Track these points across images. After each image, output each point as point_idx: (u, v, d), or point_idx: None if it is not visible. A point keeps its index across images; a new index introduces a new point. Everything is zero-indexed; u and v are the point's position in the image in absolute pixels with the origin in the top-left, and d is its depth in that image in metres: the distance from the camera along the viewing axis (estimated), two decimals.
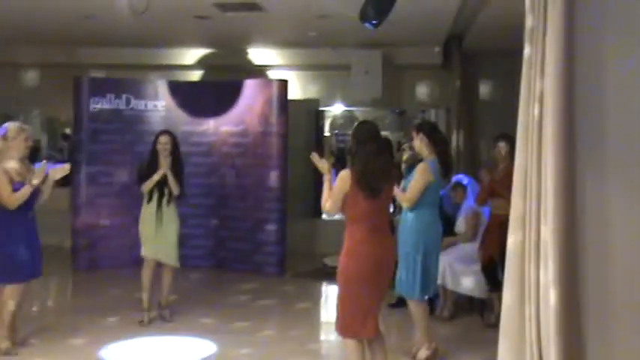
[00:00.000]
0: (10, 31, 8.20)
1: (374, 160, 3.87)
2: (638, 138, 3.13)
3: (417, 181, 4.70)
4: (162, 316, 5.91)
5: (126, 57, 9.45)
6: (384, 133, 7.91)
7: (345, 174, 3.87)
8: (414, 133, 4.96)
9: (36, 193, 4.85)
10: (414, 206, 4.73)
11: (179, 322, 5.88)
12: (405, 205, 4.75)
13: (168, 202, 5.77)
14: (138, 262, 7.96)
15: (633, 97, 3.15)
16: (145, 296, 5.83)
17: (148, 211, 5.79)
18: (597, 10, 3.20)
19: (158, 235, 5.77)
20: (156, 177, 5.71)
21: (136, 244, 8.03)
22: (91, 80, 8.30)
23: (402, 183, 5.01)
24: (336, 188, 3.90)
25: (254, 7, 6.60)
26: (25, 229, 4.86)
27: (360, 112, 19.24)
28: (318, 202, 10.92)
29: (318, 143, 11.13)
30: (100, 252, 8.16)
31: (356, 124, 4.38)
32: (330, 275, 7.79)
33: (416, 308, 4.82)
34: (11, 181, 4.73)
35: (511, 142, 5.96)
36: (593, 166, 3.16)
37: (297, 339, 5.57)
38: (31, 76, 10.12)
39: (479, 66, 9.27)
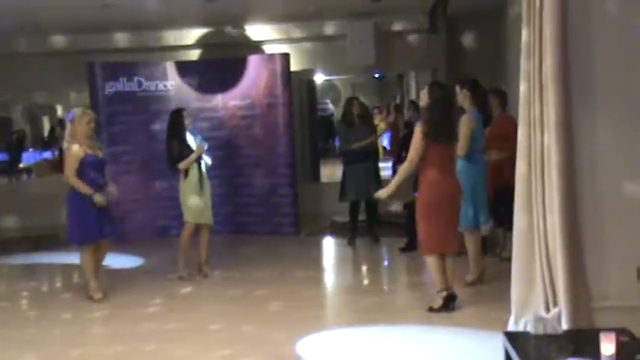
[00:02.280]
0: (9, 21, 8.57)
1: (446, 113, 4.91)
2: (622, 79, 3.85)
3: (463, 131, 5.43)
4: (204, 272, 6.59)
5: (128, 41, 9.96)
6: (364, 97, 8.64)
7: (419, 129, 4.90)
8: (458, 89, 5.70)
9: (103, 166, 5.87)
10: (466, 154, 5.53)
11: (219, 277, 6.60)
12: (459, 153, 5.45)
13: (207, 171, 6.54)
14: (161, 233, 8.70)
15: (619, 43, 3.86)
16: (183, 257, 6.53)
17: (189, 183, 6.44)
18: None
19: (203, 200, 6.49)
20: (194, 156, 6.39)
21: (158, 216, 8.79)
22: (104, 65, 8.81)
23: None
24: (415, 142, 4.89)
25: None
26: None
27: (340, 81, 19.80)
28: (316, 168, 11.65)
29: (313, 111, 11.81)
30: (126, 226, 8.76)
31: (428, 85, 5.24)
32: (340, 230, 8.62)
33: (470, 238, 5.67)
34: (85, 155, 5.68)
35: (500, 95, 6.78)
36: (585, 105, 3.86)
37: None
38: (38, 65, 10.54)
39: (463, 27, 9.88)
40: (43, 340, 4.98)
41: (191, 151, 6.43)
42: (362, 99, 9.40)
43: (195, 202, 6.44)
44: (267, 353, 4.48)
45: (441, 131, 4.93)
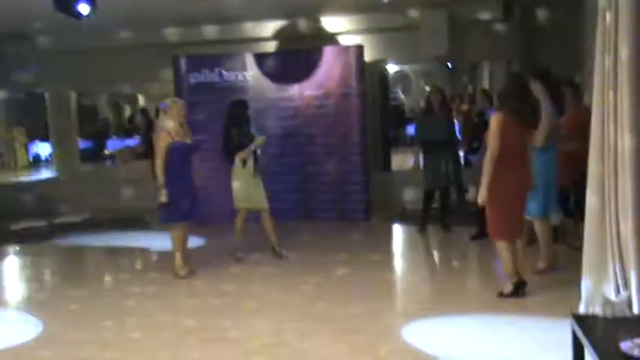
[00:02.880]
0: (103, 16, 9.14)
1: (525, 100, 5.09)
2: None
3: (542, 122, 5.53)
4: (279, 254, 6.94)
5: (209, 33, 10.42)
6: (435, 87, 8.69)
7: (497, 116, 5.05)
8: (531, 81, 5.78)
9: (191, 152, 6.32)
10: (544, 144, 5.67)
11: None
12: (538, 144, 5.59)
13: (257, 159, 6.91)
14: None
15: None
16: (238, 240, 7.01)
17: (245, 172, 6.81)
18: None
19: (255, 189, 6.85)
20: (253, 147, 6.78)
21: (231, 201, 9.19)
22: (187, 58, 9.28)
23: None
24: (492, 132, 5.01)
25: None
26: (186, 180, 6.30)
27: (412, 71, 19.78)
28: (387, 156, 11.80)
29: (385, 101, 11.97)
30: (206, 210, 9.23)
31: (510, 74, 5.34)
32: (410, 217, 8.80)
33: (541, 227, 5.79)
34: (173, 142, 6.11)
35: (574, 87, 6.79)
36: None
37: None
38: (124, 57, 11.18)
39: (539, 15, 9.77)
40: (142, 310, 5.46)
41: (250, 141, 6.76)
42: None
43: (245, 188, 6.79)
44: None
45: (520, 116, 5.06)
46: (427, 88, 17.91)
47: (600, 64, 3.98)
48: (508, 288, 5.24)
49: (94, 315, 5.38)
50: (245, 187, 6.81)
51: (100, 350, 4.61)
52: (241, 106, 6.96)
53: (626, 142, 3.81)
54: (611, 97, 3.87)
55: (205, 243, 8.10)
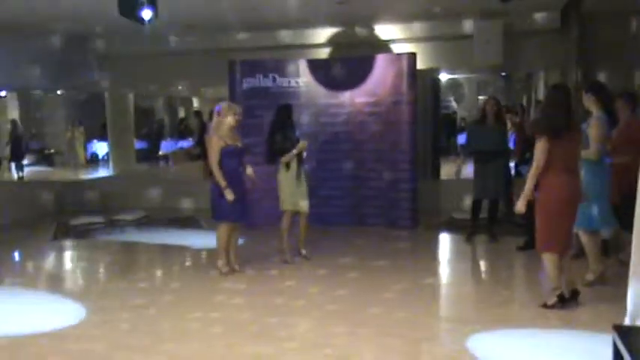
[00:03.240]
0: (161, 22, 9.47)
1: (559, 109, 5.05)
2: None
3: (593, 134, 5.56)
4: (305, 255, 7.16)
5: (265, 39, 10.66)
6: (491, 97, 8.67)
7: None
8: (583, 93, 5.82)
9: (242, 155, 6.53)
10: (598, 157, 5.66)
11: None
12: (592, 157, 5.61)
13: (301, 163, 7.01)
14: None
15: None
16: (285, 242, 7.12)
17: (289, 175, 6.95)
18: None
19: (299, 191, 6.99)
20: (295, 151, 6.89)
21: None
22: (242, 63, 9.51)
23: None
24: (538, 145, 5.04)
25: None
26: (237, 181, 6.49)
27: (465, 79, 19.63)
28: (437, 165, 11.79)
29: (436, 109, 11.97)
30: (255, 212, 9.43)
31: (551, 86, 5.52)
32: (458, 227, 8.79)
33: (588, 239, 5.79)
34: (225, 145, 6.33)
35: (629, 98, 6.68)
36: None
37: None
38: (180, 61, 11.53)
39: (596, 26, 9.64)
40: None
41: (293, 145, 6.89)
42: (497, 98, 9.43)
43: (290, 191, 6.94)
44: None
45: (555, 126, 5.00)
46: (480, 98, 17.78)
47: None
48: (552, 299, 5.22)
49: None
50: (290, 189, 6.98)
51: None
52: (285, 110, 7.09)
53: None
54: None
55: (251, 243, 8.26)
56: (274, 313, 5.40)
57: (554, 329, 4.90)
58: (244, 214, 6.62)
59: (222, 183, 6.31)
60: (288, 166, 6.96)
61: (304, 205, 7.03)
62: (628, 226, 6.22)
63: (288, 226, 7.11)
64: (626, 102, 6.54)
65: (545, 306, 5.24)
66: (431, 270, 7.02)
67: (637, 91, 7.56)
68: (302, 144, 6.99)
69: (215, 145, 6.38)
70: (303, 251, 7.22)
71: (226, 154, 6.39)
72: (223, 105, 6.58)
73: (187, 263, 7.81)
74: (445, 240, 8.77)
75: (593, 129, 5.59)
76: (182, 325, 5.17)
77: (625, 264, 4.58)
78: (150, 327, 5.15)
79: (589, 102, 5.76)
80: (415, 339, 4.76)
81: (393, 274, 6.60)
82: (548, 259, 5.22)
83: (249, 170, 6.59)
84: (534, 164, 5.09)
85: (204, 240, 8.41)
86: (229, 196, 6.30)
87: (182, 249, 8.39)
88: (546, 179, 5.10)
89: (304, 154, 7.09)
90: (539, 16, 9.65)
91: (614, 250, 6.63)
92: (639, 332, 3.22)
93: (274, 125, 7.07)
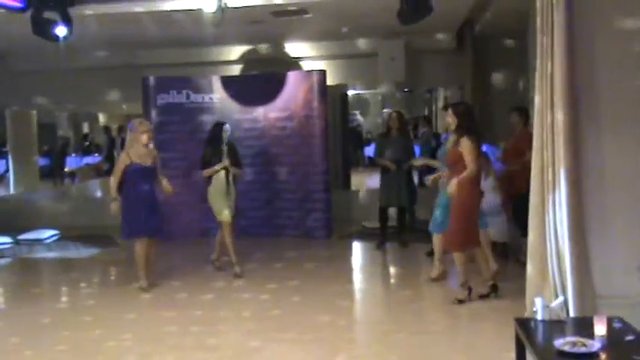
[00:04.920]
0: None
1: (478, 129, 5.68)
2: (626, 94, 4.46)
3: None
4: (237, 273, 7.18)
5: (176, 56, 10.75)
6: (394, 110, 9.23)
7: (470, 142, 5.56)
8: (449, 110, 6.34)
9: (149, 173, 6.53)
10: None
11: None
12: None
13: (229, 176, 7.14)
14: (203, 234, 9.33)
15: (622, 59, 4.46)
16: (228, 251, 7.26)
17: (216, 187, 7.11)
18: None
19: (226, 202, 7.12)
20: (217, 167, 7.06)
21: (201, 218, 9.45)
22: (156, 79, 9.57)
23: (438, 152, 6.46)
24: (474, 153, 5.54)
25: (302, 12, 7.88)
26: (143, 198, 6.49)
27: (370, 94, 20.35)
28: (347, 176, 12.23)
29: (345, 122, 12.46)
30: (173, 226, 9.49)
31: (456, 103, 6.02)
32: (369, 235, 9.23)
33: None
34: (131, 163, 6.40)
35: (522, 112, 7.41)
36: (591, 119, 4.47)
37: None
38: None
39: (489, 47, 10.46)
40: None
41: (219, 160, 7.06)
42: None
43: (221, 203, 7.12)
44: None
45: (479, 138, 5.73)
46: (385, 111, 18.54)
47: (539, 86, 4.52)
48: (464, 294, 5.77)
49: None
50: (218, 201, 7.11)
51: None
52: (217, 127, 7.25)
53: (561, 157, 4.37)
54: (548, 115, 4.42)
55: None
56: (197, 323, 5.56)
57: (464, 323, 5.38)
58: (151, 230, 6.58)
59: (112, 194, 6.46)
60: (210, 179, 7.12)
61: (226, 213, 7.13)
62: (524, 230, 6.91)
63: (229, 237, 7.18)
64: (519, 115, 7.30)
65: (459, 301, 5.74)
66: (346, 277, 7.38)
67: (528, 105, 8.33)
68: (223, 162, 7.06)
69: (120, 162, 6.51)
70: (237, 269, 7.19)
71: (132, 172, 6.44)
72: (135, 121, 6.61)
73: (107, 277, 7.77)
74: (357, 248, 9.17)
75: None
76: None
77: (523, 264, 5.12)
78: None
79: (451, 118, 6.35)
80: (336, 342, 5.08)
81: (311, 282, 6.90)
82: (461, 257, 5.75)
83: (164, 182, 6.64)
84: (470, 168, 5.54)
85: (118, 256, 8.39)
86: (113, 207, 6.46)
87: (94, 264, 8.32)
88: (465, 184, 5.59)
89: (235, 172, 7.21)
90: (437, 37, 10.35)
91: (513, 252, 7.27)
92: (535, 322, 3.68)
93: (206, 140, 7.32)
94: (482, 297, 5.86)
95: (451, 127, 5.99)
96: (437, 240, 6.54)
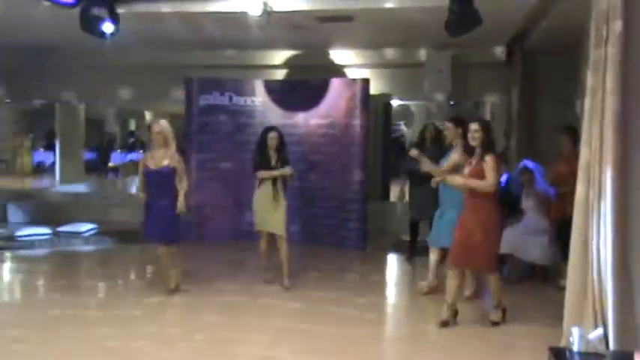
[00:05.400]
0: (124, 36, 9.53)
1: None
2: None
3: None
4: (285, 285, 6.86)
5: (221, 58, 10.77)
6: (439, 122, 9.00)
7: (495, 159, 5.30)
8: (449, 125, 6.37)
9: (160, 177, 6.31)
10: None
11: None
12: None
13: (277, 185, 6.83)
14: (238, 236, 9.29)
15: None
16: (263, 261, 7.09)
17: (260, 195, 6.83)
18: None
19: (273, 213, 6.80)
20: (276, 173, 6.80)
21: (237, 220, 9.43)
22: (199, 80, 9.61)
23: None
24: (498, 171, 5.28)
25: (347, 19, 7.78)
26: (150, 202, 6.38)
27: (415, 105, 20.17)
28: (386, 187, 12.08)
29: (387, 132, 12.30)
30: (206, 227, 9.51)
31: (483, 121, 5.61)
32: (405, 248, 9.03)
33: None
34: (143, 167, 6.35)
35: (571, 132, 7.10)
36: None
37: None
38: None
39: (539, 63, 10.17)
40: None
41: (268, 165, 6.78)
42: (437, 124, 9.79)
43: (262, 212, 6.83)
44: None
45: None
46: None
47: (589, 113, 4.32)
48: (499, 315, 5.55)
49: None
50: (260, 210, 6.87)
51: None
52: (264, 132, 6.99)
53: (608, 183, 4.14)
54: (596, 140, 4.20)
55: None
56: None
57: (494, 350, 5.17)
58: (151, 235, 6.45)
59: (141, 199, 6.43)
60: (260, 184, 6.84)
61: (279, 227, 6.81)
62: (565, 253, 6.65)
63: (264, 246, 7.00)
64: (568, 136, 6.98)
65: (493, 323, 5.53)
66: (376, 290, 7.22)
67: (577, 124, 8.04)
68: (284, 170, 6.83)
69: (140, 163, 6.53)
70: (285, 281, 6.89)
71: (146, 175, 6.36)
72: (154, 122, 6.63)
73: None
74: (390, 261, 8.96)
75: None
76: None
77: (562, 289, 4.90)
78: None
79: (453, 134, 6.11)
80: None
81: (340, 294, 6.77)
82: (497, 279, 5.53)
83: (180, 197, 6.33)
84: (490, 182, 5.26)
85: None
86: (141, 196, 6.42)
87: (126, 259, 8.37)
88: (491, 202, 5.36)
89: (289, 180, 6.94)
90: (486, 50, 10.11)
91: (552, 276, 7.00)
92: (571, 353, 3.49)
93: (256, 144, 7.02)
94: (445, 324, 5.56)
95: (455, 141, 5.94)
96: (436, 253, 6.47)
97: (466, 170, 5.42)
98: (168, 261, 6.57)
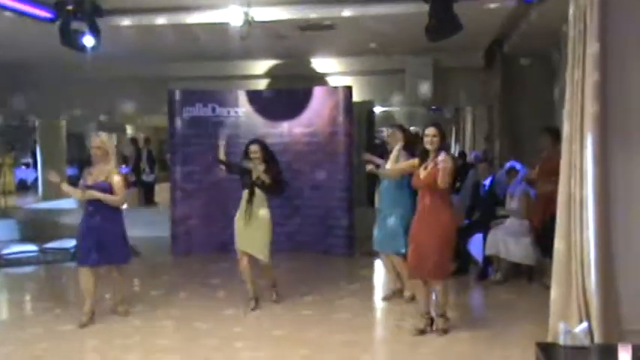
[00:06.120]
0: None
1: None
2: None
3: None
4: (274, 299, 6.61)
5: (203, 69, 10.81)
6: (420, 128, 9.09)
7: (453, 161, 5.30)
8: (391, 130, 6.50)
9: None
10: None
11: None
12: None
13: (253, 201, 6.29)
14: (224, 248, 9.26)
15: None
16: (248, 285, 6.47)
17: (240, 209, 6.39)
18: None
19: (248, 229, 6.31)
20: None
21: (222, 232, 9.41)
22: (182, 92, 9.63)
23: None
24: (452, 171, 5.22)
25: (329, 27, 7.86)
26: (84, 223, 5.97)
27: (398, 112, 20.33)
28: (372, 193, 12.12)
29: (371, 139, 12.38)
30: (193, 239, 9.49)
31: (439, 125, 5.50)
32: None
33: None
34: (84, 179, 5.98)
35: (553, 132, 7.23)
36: (621, 144, 4.32)
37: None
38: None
39: (519, 65, 10.31)
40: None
41: (246, 180, 6.37)
42: (417, 129, 9.90)
43: (238, 230, 6.41)
44: None
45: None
46: (411, 129, 18.40)
47: (568, 111, 4.41)
48: (446, 324, 5.54)
49: None
50: (239, 228, 6.42)
51: None
52: (246, 145, 6.59)
53: (590, 179, 4.23)
54: (577, 141, 4.29)
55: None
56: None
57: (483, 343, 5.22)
58: (87, 258, 5.91)
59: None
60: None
61: (252, 247, 6.37)
62: (549, 253, 6.74)
63: (242, 267, 6.42)
64: (550, 136, 7.11)
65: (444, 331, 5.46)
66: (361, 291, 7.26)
67: (558, 126, 8.19)
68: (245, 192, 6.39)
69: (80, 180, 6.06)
70: (274, 294, 6.64)
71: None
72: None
73: None
74: (378, 266, 8.98)
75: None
76: None
77: (548, 288, 4.96)
78: None
79: (396, 138, 6.20)
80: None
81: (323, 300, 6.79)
82: (445, 288, 5.49)
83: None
84: (442, 181, 5.15)
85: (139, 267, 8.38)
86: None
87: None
88: (447, 207, 5.37)
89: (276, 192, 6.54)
90: (466, 55, 10.24)
91: (537, 276, 7.08)
92: (557, 348, 3.54)
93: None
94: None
95: (396, 147, 5.86)
96: (397, 260, 6.38)
97: (422, 175, 5.39)
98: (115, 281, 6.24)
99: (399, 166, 5.80)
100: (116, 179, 5.87)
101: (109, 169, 5.91)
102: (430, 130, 5.37)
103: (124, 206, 6.24)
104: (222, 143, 6.60)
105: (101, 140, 6.02)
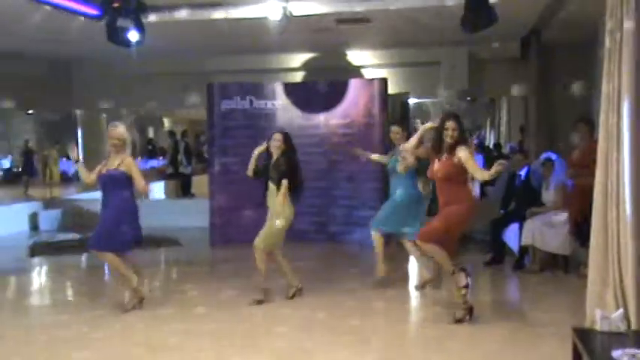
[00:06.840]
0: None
1: None
2: None
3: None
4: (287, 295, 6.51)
5: (241, 63, 11.01)
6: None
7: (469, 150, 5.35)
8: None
9: (109, 181, 5.94)
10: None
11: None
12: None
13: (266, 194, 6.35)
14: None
15: None
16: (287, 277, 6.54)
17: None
18: None
19: (268, 221, 6.37)
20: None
21: (259, 223, 9.61)
22: (220, 85, 9.84)
23: None
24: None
25: (365, 20, 7.96)
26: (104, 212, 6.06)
27: (432, 103, 20.33)
28: None
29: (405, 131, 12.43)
30: (232, 229, 9.71)
31: (457, 118, 5.45)
32: None
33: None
34: (99, 170, 6.03)
35: (589, 123, 7.22)
36: None
37: None
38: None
39: (555, 56, 10.27)
40: None
41: (266, 172, 6.42)
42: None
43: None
44: None
45: None
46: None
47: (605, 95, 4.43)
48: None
49: None
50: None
51: None
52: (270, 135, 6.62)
53: (626, 167, 4.27)
54: (615, 130, 4.32)
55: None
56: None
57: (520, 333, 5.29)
58: (101, 243, 5.97)
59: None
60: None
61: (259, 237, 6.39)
62: (587, 243, 6.75)
63: (260, 262, 6.39)
64: (586, 126, 7.10)
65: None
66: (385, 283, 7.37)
67: (595, 116, 8.15)
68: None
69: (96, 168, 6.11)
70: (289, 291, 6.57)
71: (99, 181, 6.02)
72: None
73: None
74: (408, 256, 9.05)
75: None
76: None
77: (585, 277, 5.00)
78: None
79: (400, 137, 6.54)
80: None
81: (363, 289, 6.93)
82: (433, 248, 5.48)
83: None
84: (482, 173, 5.29)
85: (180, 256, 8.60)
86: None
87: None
88: (463, 199, 5.40)
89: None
90: (501, 45, 10.23)
91: (575, 265, 7.11)
92: (594, 333, 3.62)
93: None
94: None
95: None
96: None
97: (435, 166, 5.40)
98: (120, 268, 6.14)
99: (414, 138, 5.70)
100: (131, 161, 5.93)
101: (122, 157, 5.95)
102: (450, 124, 5.32)
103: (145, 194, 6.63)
104: (255, 155, 6.54)
105: (122, 132, 6.02)
